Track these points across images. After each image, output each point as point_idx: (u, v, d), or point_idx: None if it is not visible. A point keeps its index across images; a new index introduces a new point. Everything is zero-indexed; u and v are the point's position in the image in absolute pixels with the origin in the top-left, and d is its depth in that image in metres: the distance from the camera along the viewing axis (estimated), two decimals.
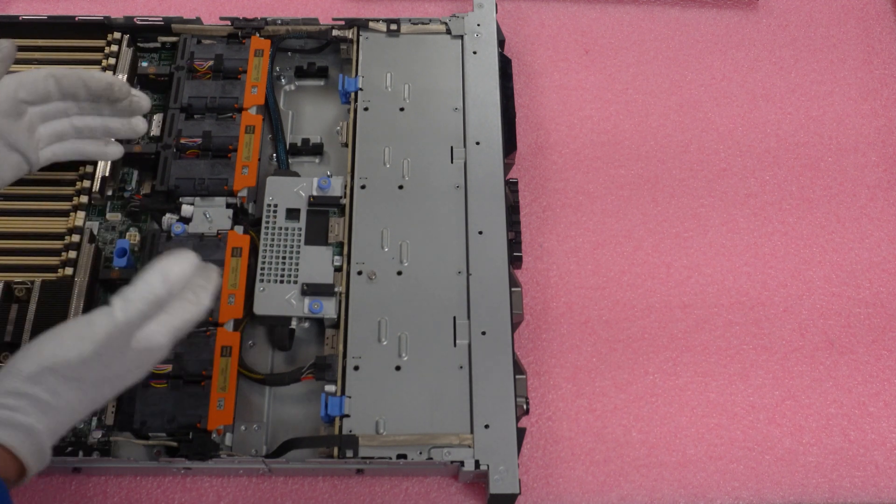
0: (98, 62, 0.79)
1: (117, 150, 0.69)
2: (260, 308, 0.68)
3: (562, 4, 0.90)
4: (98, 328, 0.50)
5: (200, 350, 0.66)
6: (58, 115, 0.65)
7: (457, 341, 0.68)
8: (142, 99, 0.67)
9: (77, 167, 0.74)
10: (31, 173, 0.66)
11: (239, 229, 0.71)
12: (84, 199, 0.73)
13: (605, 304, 0.75)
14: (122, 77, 0.78)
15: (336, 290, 0.69)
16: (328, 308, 0.68)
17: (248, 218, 0.73)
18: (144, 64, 0.80)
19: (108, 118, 0.67)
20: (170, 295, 0.51)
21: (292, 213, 0.72)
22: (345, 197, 0.73)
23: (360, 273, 0.70)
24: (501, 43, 0.82)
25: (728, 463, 0.69)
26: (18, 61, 0.79)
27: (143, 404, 0.64)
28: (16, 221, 0.72)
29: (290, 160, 0.77)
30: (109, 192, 0.75)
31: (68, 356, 0.49)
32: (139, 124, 0.68)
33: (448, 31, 0.81)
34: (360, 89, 0.78)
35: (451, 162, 0.75)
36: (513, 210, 0.75)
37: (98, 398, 0.52)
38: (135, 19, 0.80)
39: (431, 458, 0.63)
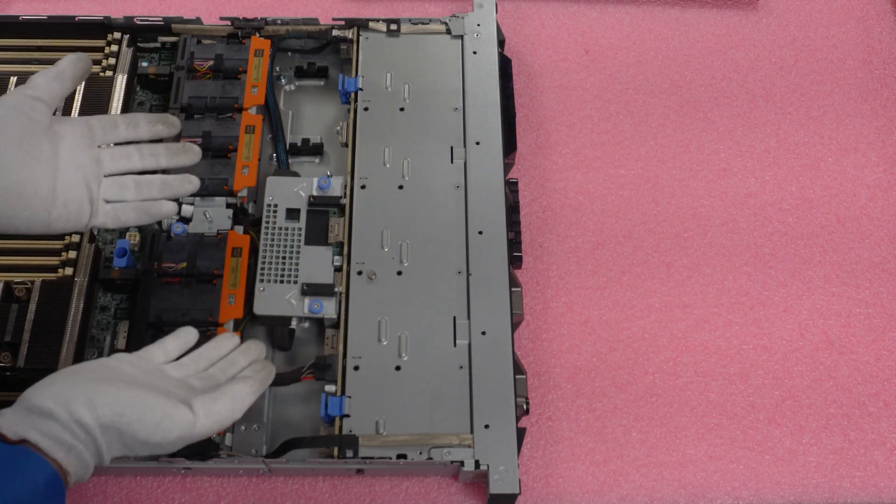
0: (98, 62, 0.79)
1: (171, 208, 0.63)
2: (260, 308, 0.68)
3: (562, 4, 0.90)
4: (175, 428, 0.52)
5: None
6: (122, 154, 0.61)
7: (457, 341, 0.68)
8: (193, 148, 0.64)
9: None
10: (85, 230, 0.61)
11: (239, 229, 0.71)
12: None
13: (605, 304, 0.75)
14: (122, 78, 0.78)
15: (336, 290, 0.69)
16: (328, 308, 0.68)
17: (248, 218, 0.73)
18: (144, 64, 0.80)
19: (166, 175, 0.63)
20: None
21: (292, 213, 0.72)
22: (345, 197, 0.73)
23: (360, 273, 0.70)
24: (501, 43, 0.82)
25: (728, 463, 0.69)
26: (18, 61, 0.79)
27: None
28: None
29: (290, 160, 0.77)
30: None
31: (137, 434, 0.52)
32: (188, 183, 0.63)
33: (448, 31, 0.81)
34: (360, 89, 0.78)
35: (451, 162, 0.75)
36: (513, 210, 0.75)
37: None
38: (135, 19, 0.79)
39: (431, 458, 0.63)
